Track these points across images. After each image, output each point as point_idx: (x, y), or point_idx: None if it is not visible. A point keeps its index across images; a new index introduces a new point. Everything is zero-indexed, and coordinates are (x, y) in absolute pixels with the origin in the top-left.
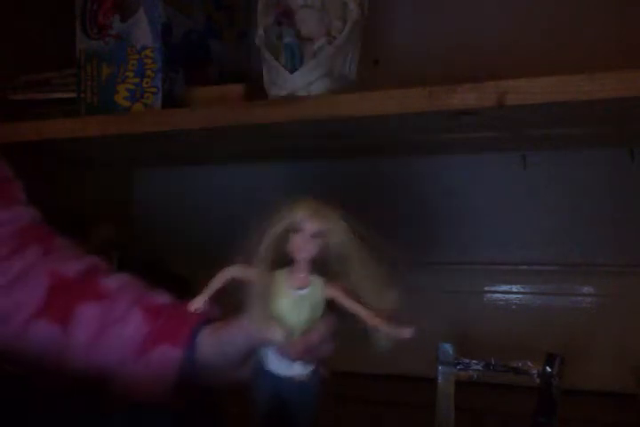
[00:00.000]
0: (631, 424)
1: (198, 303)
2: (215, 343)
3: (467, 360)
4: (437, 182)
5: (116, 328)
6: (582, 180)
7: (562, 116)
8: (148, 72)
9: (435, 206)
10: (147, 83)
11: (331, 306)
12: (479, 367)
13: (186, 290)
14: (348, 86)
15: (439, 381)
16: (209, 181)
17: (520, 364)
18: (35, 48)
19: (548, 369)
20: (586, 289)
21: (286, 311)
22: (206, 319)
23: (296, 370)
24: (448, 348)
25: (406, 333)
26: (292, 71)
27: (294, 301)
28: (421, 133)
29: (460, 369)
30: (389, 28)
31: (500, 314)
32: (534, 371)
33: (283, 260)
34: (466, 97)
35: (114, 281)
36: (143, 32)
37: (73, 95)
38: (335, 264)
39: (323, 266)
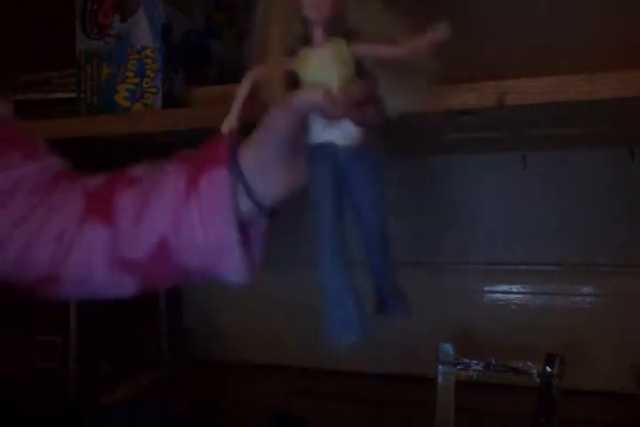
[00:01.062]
0: (631, 424)
1: (231, 122)
2: (256, 146)
3: (467, 360)
4: (437, 182)
5: (157, 188)
6: (582, 180)
7: (562, 116)
8: (148, 72)
9: (435, 206)
10: (147, 83)
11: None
12: (479, 367)
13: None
14: None
15: (439, 381)
16: None
17: (520, 364)
18: (35, 48)
19: (548, 369)
20: (586, 289)
21: (317, 73)
22: (240, 139)
23: (350, 133)
24: (448, 348)
25: (442, 30)
26: None
27: (320, 59)
28: (421, 133)
29: (460, 369)
30: None
31: (500, 314)
32: (534, 371)
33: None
34: (466, 97)
35: (140, 169)
36: (143, 32)
37: (73, 95)
38: (354, 24)
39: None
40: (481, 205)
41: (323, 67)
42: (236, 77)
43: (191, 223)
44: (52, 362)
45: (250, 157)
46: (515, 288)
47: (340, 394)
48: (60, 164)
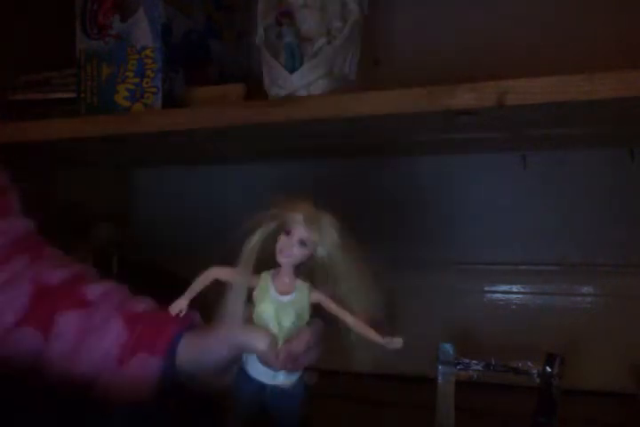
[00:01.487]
0: (631, 424)
1: (180, 306)
2: (195, 352)
3: (467, 360)
4: (437, 182)
5: (96, 337)
6: (582, 180)
7: (562, 116)
8: (148, 72)
9: (435, 206)
10: (147, 83)
11: (317, 309)
12: (479, 367)
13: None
14: (348, 86)
15: (439, 381)
16: (209, 181)
17: (520, 364)
18: (35, 48)
19: (548, 369)
20: (586, 289)
21: (270, 317)
22: (187, 325)
23: (280, 379)
24: (448, 348)
25: (396, 343)
26: (291, 71)
27: (278, 306)
28: (421, 133)
29: (460, 369)
30: (389, 28)
31: (500, 314)
32: (534, 371)
33: (269, 260)
34: (466, 97)
35: (97, 289)
36: (143, 32)
37: (73, 95)
38: (320, 273)
39: (309, 272)
40: (481, 205)
41: (277, 316)
42: (236, 77)
43: (112, 384)
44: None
45: (187, 354)
46: (515, 288)
47: (340, 394)
48: (25, 227)
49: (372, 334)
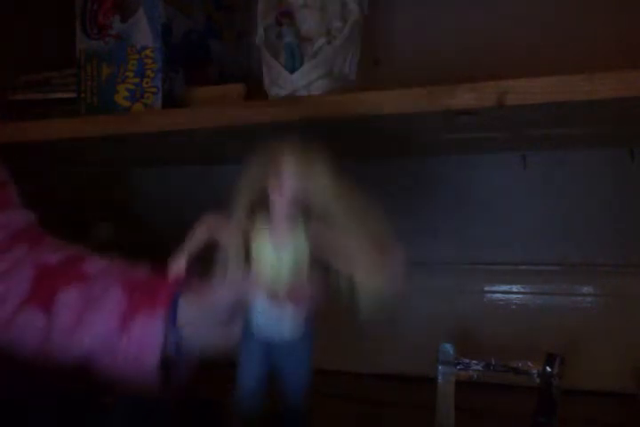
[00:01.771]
0: (631, 424)
1: (180, 262)
2: (195, 309)
3: (467, 360)
4: (437, 182)
5: (96, 307)
6: (582, 180)
7: (562, 116)
8: (148, 72)
9: (434, 206)
10: (147, 83)
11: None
12: (479, 367)
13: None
14: (348, 86)
15: (439, 381)
16: (209, 181)
17: (520, 364)
18: (35, 48)
19: (548, 369)
20: (586, 289)
21: (268, 262)
22: (185, 285)
23: (286, 329)
24: (448, 348)
25: (397, 253)
26: (292, 71)
27: (275, 251)
28: (421, 133)
29: (460, 369)
30: (389, 28)
31: (500, 314)
32: (534, 371)
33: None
34: (466, 97)
35: (96, 264)
36: (143, 32)
37: (73, 95)
38: (319, 210)
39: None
40: (481, 205)
41: (276, 259)
42: (236, 77)
43: (116, 356)
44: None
45: (188, 313)
46: (515, 288)
47: (340, 394)
48: (27, 218)
49: (374, 253)
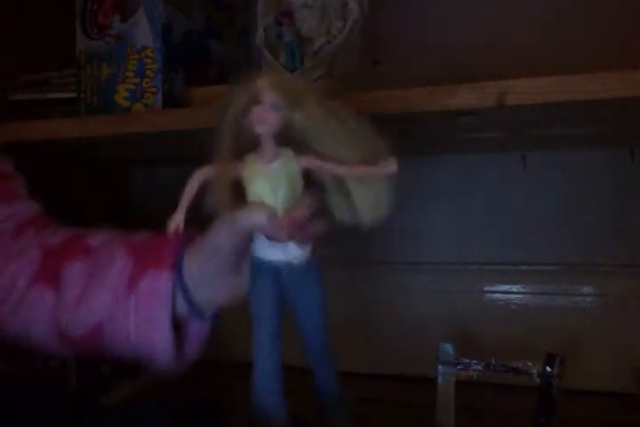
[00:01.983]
0: (631, 424)
1: (177, 220)
2: (201, 260)
3: (467, 360)
4: (437, 182)
5: (102, 275)
6: (582, 180)
7: (562, 116)
8: (148, 72)
9: (434, 206)
10: (147, 83)
11: (309, 182)
12: (479, 367)
13: None
14: (348, 86)
15: (439, 381)
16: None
17: (520, 364)
18: (35, 48)
19: (548, 369)
20: (586, 289)
21: (263, 190)
22: (187, 238)
23: (292, 252)
24: (448, 348)
25: (391, 165)
26: (291, 71)
27: (267, 177)
28: (421, 133)
29: (460, 369)
30: (389, 28)
31: (500, 314)
32: (534, 371)
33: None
34: (466, 97)
35: (99, 237)
36: (143, 32)
37: (73, 95)
38: (306, 138)
39: (294, 142)
40: (481, 205)
41: (270, 186)
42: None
43: (127, 320)
44: (52, 362)
45: (193, 265)
46: (515, 288)
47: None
48: (33, 209)
49: (370, 170)
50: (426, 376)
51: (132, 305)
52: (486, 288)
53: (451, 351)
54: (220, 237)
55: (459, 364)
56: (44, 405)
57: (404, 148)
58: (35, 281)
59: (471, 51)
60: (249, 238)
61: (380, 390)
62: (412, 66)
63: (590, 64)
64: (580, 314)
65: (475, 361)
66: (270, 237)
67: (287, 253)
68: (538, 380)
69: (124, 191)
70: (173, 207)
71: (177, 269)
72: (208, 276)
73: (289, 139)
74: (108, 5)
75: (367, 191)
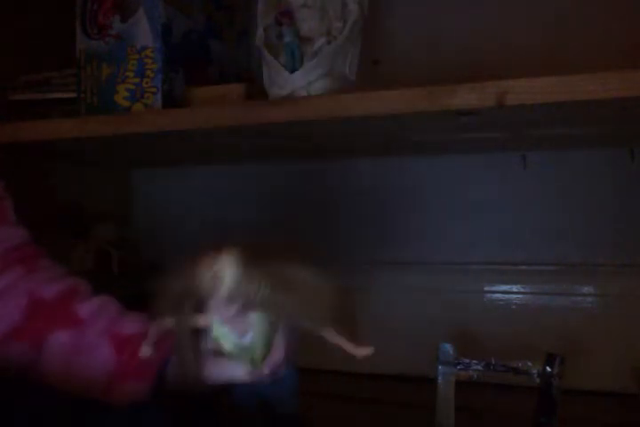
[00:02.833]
0: (631, 424)
1: (146, 352)
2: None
3: (467, 360)
4: (437, 182)
5: (85, 358)
6: (582, 180)
7: (562, 116)
8: (148, 72)
9: (435, 206)
10: (147, 83)
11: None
12: (479, 367)
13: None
14: (348, 86)
15: (439, 381)
16: (209, 181)
17: (520, 364)
18: (35, 48)
19: (548, 369)
20: (586, 289)
21: (240, 353)
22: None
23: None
24: (448, 348)
25: (364, 351)
26: (292, 71)
27: (244, 351)
28: (421, 133)
29: (460, 369)
30: (389, 28)
31: (500, 314)
32: (534, 371)
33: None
34: (466, 97)
35: (89, 306)
36: (143, 32)
37: (73, 95)
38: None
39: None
40: (481, 205)
41: (247, 350)
42: (236, 77)
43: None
44: None
45: (172, 377)
46: (515, 288)
47: (340, 394)
48: (19, 237)
49: (346, 346)
50: (426, 376)
51: (110, 396)
52: (486, 288)
53: (451, 351)
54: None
55: (459, 364)
56: (44, 405)
57: (404, 148)
58: (16, 336)
59: (471, 51)
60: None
61: (380, 390)
62: (412, 66)
63: (590, 64)
64: (580, 314)
65: (475, 361)
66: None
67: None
68: (538, 380)
69: (124, 191)
70: (173, 206)
71: (158, 378)
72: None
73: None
74: (107, 5)
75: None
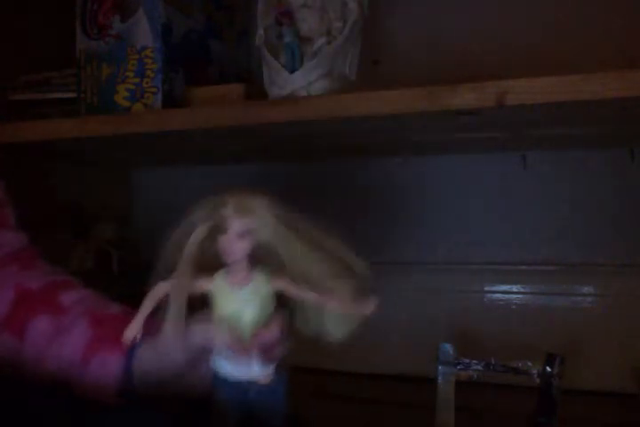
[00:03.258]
0: (631, 424)
1: (132, 332)
2: (153, 356)
3: (467, 360)
4: (437, 182)
5: (63, 337)
6: (582, 180)
7: (562, 116)
8: (148, 72)
9: (435, 206)
10: (147, 83)
11: (281, 302)
12: (479, 367)
13: None
14: (348, 86)
15: (439, 381)
16: (209, 181)
17: (520, 364)
18: (35, 48)
19: (548, 369)
20: (586, 289)
21: (233, 312)
22: (154, 327)
23: (256, 371)
24: (448, 348)
25: (368, 307)
26: (291, 71)
27: (235, 302)
28: (421, 133)
29: (460, 369)
30: (389, 28)
31: (500, 314)
32: (534, 371)
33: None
34: (466, 97)
35: (73, 295)
36: (143, 32)
37: (73, 95)
38: (274, 258)
39: (264, 261)
40: (481, 205)
41: (237, 309)
42: (236, 77)
43: (80, 380)
44: None
45: (147, 357)
46: (515, 288)
47: (340, 394)
48: (19, 241)
49: (345, 305)
50: (426, 376)
51: (84, 373)
52: (486, 288)
53: (451, 351)
54: (171, 347)
55: (459, 364)
56: (44, 405)
57: (404, 147)
58: (2, 327)
59: (471, 51)
60: (203, 349)
61: (380, 390)
62: (412, 66)
63: (590, 64)
64: (580, 314)
65: (475, 361)
66: (234, 356)
67: (250, 371)
68: (538, 380)
69: (124, 191)
70: (173, 207)
71: (129, 356)
72: (159, 371)
73: (261, 256)
74: (108, 5)
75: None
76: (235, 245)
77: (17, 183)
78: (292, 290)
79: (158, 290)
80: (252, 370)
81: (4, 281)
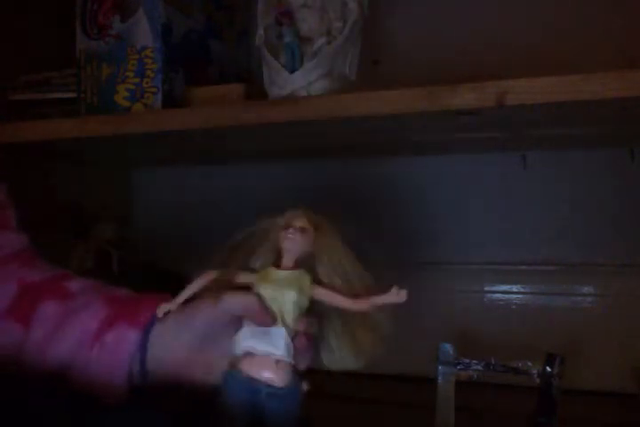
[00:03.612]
0: (631, 424)
1: (168, 307)
2: (174, 326)
3: (467, 360)
4: (437, 182)
5: (74, 318)
6: (582, 180)
7: (562, 116)
8: (148, 72)
9: (435, 206)
10: (147, 83)
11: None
12: (479, 367)
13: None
14: (348, 86)
15: (439, 381)
16: (209, 181)
17: (520, 364)
18: (35, 48)
19: (548, 369)
20: (586, 289)
21: (274, 290)
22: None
23: (277, 345)
24: (448, 348)
25: (401, 295)
26: (291, 71)
27: (281, 280)
28: (421, 133)
29: (460, 369)
30: (389, 28)
31: (500, 314)
32: (534, 371)
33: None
34: (466, 97)
35: (79, 283)
36: (143, 32)
37: (73, 95)
38: (320, 267)
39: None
40: (481, 205)
41: (280, 286)
42: (236, 77)
43: (88, 366)
44: None
45: (164, 332)
46: (515, 288)
47: (340, 394)
48: (20, 242)
49: (378, 299)
50: (426, 376)
51: (94, 354)
52: (486, 288)
53: (451, 351)
54: (203, 314)
55: (459, 364)
56: (44, 405)
57: (404, 148)
58: (5, 315)
59: (471, 51)
60: (227, 324)
61: (380, 390)
62: (412, 66)
63: (590, 64)
64: (580, 314)
65: (475, 361)
66: (256, 323)
67: (272, 344)
68: (538, 380)
69: (124, 191)
70: (173, 206)
71: (146, 330)
72: (175, 347)
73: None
74: (108, 5)
75: (366, 333)
76: (296, 236)
77: (17, 183)
78: (331, 296)
79: (204, 277)
80: (271, 343)
81: (6, 277)
